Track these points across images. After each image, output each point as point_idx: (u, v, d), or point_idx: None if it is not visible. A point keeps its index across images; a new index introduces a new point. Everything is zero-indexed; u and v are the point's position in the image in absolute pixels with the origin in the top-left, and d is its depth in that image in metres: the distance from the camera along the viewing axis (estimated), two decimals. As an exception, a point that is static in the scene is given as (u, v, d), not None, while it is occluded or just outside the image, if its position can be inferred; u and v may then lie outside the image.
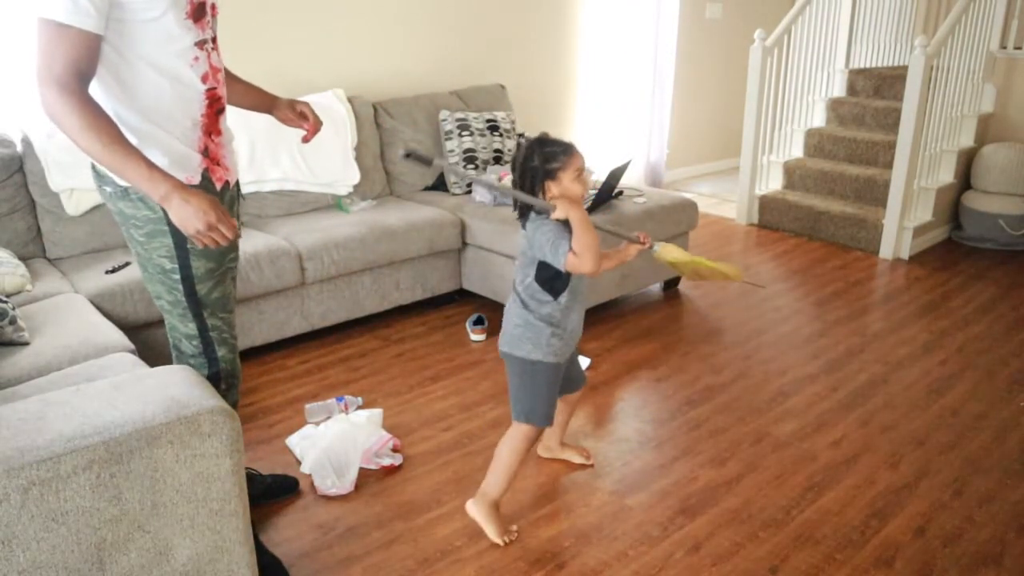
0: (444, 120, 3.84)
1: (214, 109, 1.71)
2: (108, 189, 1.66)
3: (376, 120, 3.77)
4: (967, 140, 4.62)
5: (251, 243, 2.94)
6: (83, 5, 1.45)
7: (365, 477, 2.33)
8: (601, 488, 2.30)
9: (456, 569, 1.95)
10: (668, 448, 2.49)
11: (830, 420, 2.65)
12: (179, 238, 1.66)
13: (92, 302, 2.54)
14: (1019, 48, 4.63)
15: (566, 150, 1.87)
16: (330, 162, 3.53)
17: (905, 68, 4.16)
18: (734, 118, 5.28)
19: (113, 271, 2.72)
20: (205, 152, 1.70)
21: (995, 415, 2.69)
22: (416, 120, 3.83)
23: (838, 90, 5.29)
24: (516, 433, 2.03)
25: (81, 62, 1.48)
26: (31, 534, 1.24)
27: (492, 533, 2.05)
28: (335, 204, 3.54)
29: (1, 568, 1.23)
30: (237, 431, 1.44)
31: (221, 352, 1.83)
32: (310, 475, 2.31)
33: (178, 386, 1.44)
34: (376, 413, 2.57)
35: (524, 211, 1.92)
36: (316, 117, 1.98)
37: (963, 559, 1.99)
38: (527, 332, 1.95)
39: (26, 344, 2.17)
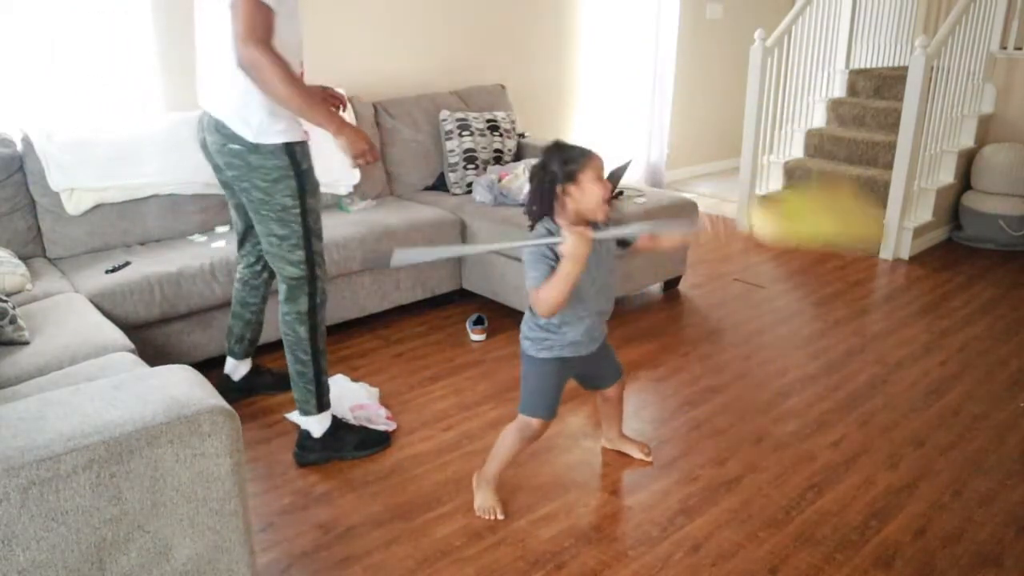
0: (444, 120, 3.84)
1: None
2: (237, 146, 2.13)
3: (376, 120, 3.77)
4: (967, 141, 4.62)
5: (251, 243, 2.94)
6: None
7: (365, 476, 2.33)
8: (601, 488, 2.30)
9: (456, 569, 1.95)
10: (668, 448, 2.49)
11: (830, 420, 2.65)
12: (302, 181, 2.18)
13: (92, 302, 2.54)
14: (1019, 48, 4.63)
15: (584, 152, 1.89)
16: (330, 162, 3.50)
17: (905, 69, 4.15)
18: (734, 118, 5.27)
19: (113, 271, 2.72)
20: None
21: (995, 415, 2.69)
22: (416, 120, 3.83)
23: (838, 90, 5.29)
24: (517, 424, 2.13)
25: (271, 29, 1.98)
26: (31, 533, 1.24)
27: (476, 502, 2.18)
28: (335, 204, 3.54)
29: (1, 568, 1.23)
30: (237, 431, 1.44)
31: (319, 272, 2.31)
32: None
33: (178, 386, 1.44)
34: (373, 391, 2.74)
35: (534, 218, 1.94)
36: (339, 96, 2.54)
37: (963, 559, 1.99)
38: (529, 332, 2.06)
39: (26, 343, 2.17)
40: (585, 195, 1.86)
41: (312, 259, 2.28)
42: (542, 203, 1.91)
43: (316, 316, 2.34)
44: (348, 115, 3.58)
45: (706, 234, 2.05)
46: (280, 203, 2.18)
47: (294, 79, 2.00)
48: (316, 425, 2.40)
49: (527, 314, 2.07)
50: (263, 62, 1.96)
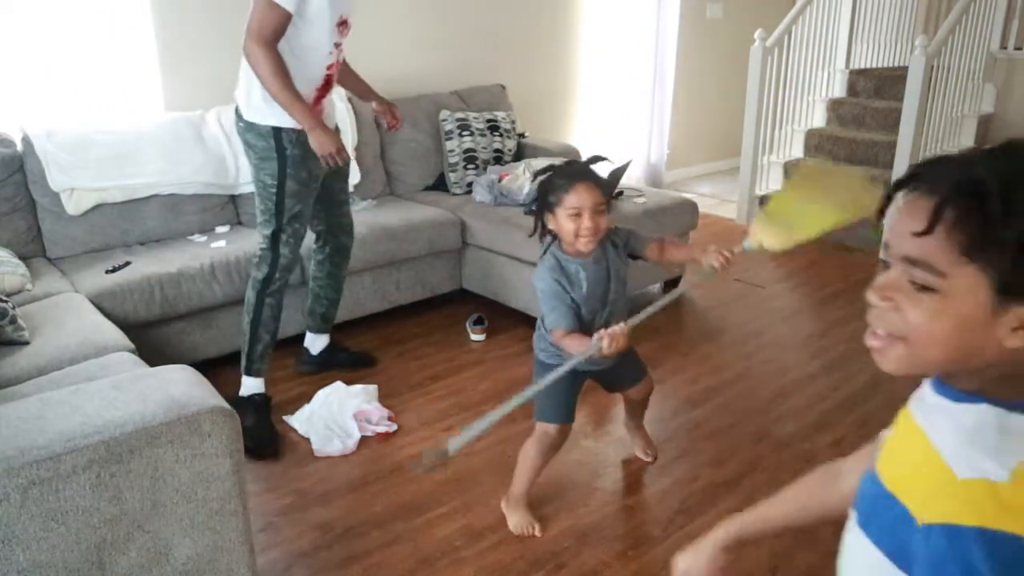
0: (444, 120, 3.84)
1: (326, 86, 2.46)
2: (241, 124, 2.41)
3: (376, 120, 3.76)
4: (967, 140, 4.62)
5: (251, 243, 2.94)
6: None
7: (365, 476, 2.33)
8: (601, 488, 2.29)
9: (456, 569, 1.95)
10: (668, 448, 2.49)
11: (830, 420, 2.65)
12: (283, 164, 2.39)
13: (92, 301, 2.54)
14: (1019, 48, 4.63)
15: (570, 181, 1.85)
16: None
17: (905, 68, 4.15)
18: (734, 118, 5.27)
19: (113, 271, 2.72)
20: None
21: (995, 415, 2.69)
22: (416, 120, 3.83)
23: (838, 90, 5.29)
24: (535, 433, 2.09)
25: (278, 30, 2.24)
26: (31, 533, 1.24)
27: (511, 524, 2.11)
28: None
29: (1, 568, 1.23)
30: (237, 431, 1.44)
31: (283, 251, 2.49)
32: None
33: (178, 386, 1.44)
34: (371, 388, 2.74)
35: (541, 237, 1.97)
36: (393, 111, 2.71)
37: (963, 559, 1.99)
38: (540, 346, 2.07)
39: (26, 343, 2.17)
40: (561, 229, 1.89)
41: (277, 236, 2.47)
42: (540, 225, 1.95)
43: (267, 287, 2.52)
44: (349, 114, 3.59)
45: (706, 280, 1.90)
46: (262, 180, 2.42)
47: (284, 77, 2.25)
48: (243, 385, 2.59)
49: (540, 331, 2.04)
50: (260, 57, 2.23)
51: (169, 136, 3.12)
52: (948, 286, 0.67)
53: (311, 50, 2.35)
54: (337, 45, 2.42)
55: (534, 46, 4.76)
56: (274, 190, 2.41)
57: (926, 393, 0.79)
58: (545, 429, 2.05)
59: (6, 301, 2.19)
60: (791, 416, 2.68)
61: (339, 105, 3.58)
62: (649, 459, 2.41)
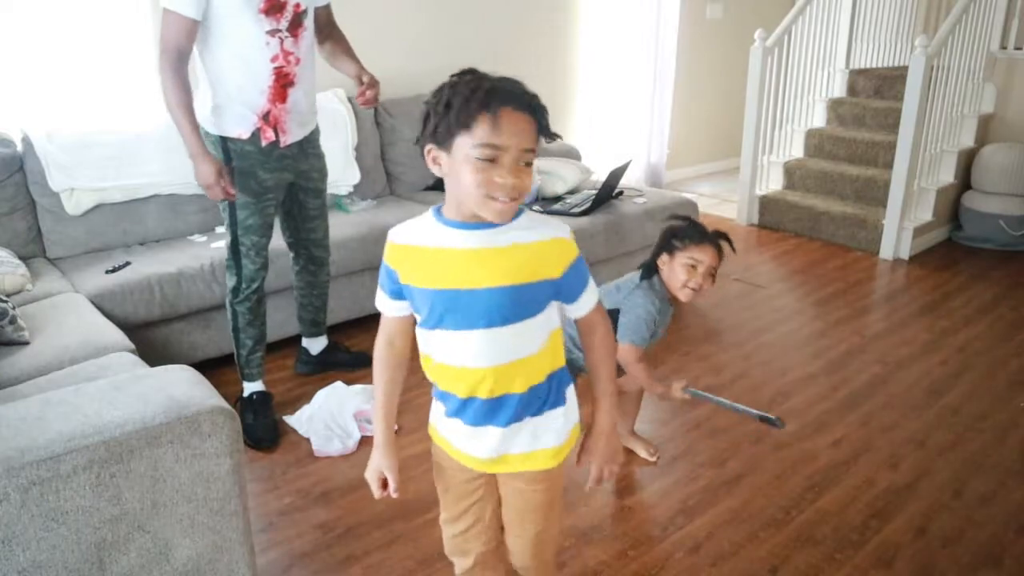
0: (444, 120, 3.84)
1: (280, 83, 2.28)
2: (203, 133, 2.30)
3: (376, 120, 3.77)
4: (967, 140, 4.62)
5: (251, 243, 2.94)
6: None
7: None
8: (601, 488, 2.29)
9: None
10: (668, 448, 2.49)
11: (830, 420, 2.65)
12: (231, 175, 2.30)
13: (92, 302, 2.54)
14: (1019, 48, 4.63)
15: (700, 237, 2.03)
16: (330, 162, 3.50)
17: (905, 68, 4.15)
18: (734, 118, 5.27)
19: (113, 271, 2.72)
20: (266, 116, 2.29)
21: (995, 415, 2.69)
22: (416, 120, 3.82)
23: (838, 90, 5.28)
24: None
25: (182, 40, 2.12)
26: (31, 534, 1.24)
27: None
28: (335, 204, 3.54)
29: (1, 568, 1.23)
30: (237, 431, 1.44)
31: (244, 263, 2.45)
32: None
33: (178, 386, 1.44)
34: (371, 388, 2.70)
35: (647, 273, 2.11)
36: (372, 83, 2.46)
37: (963, 559, 1.99)
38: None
39: (26, 344, 2.17)
40: (672, 272, 2.06)
41: (236, 247, 2.43)
42: (651, 259, 2.10)
43: (236, 296, 2.49)
44: (349, 115, 3.59)
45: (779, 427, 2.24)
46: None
47: (180, 96, 2.15)
48: (243, 387, 2.63)
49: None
50: (160, 69, 2.14)
51: (169, 136, 3.10)
52: (532, 157, 1.18)
53: (239, 46, 2.19)
54: (274, 33, 2.20)
55: (534, 47, 4.76)
56: (225, 201, 2.37)
57: (431, 224, 1.39)
58: None
59: (6, 301, 2.19)
60: (791, 416, 2.68)
61: (339, 106, 3.59)
62: (653, 459, 2.42)
